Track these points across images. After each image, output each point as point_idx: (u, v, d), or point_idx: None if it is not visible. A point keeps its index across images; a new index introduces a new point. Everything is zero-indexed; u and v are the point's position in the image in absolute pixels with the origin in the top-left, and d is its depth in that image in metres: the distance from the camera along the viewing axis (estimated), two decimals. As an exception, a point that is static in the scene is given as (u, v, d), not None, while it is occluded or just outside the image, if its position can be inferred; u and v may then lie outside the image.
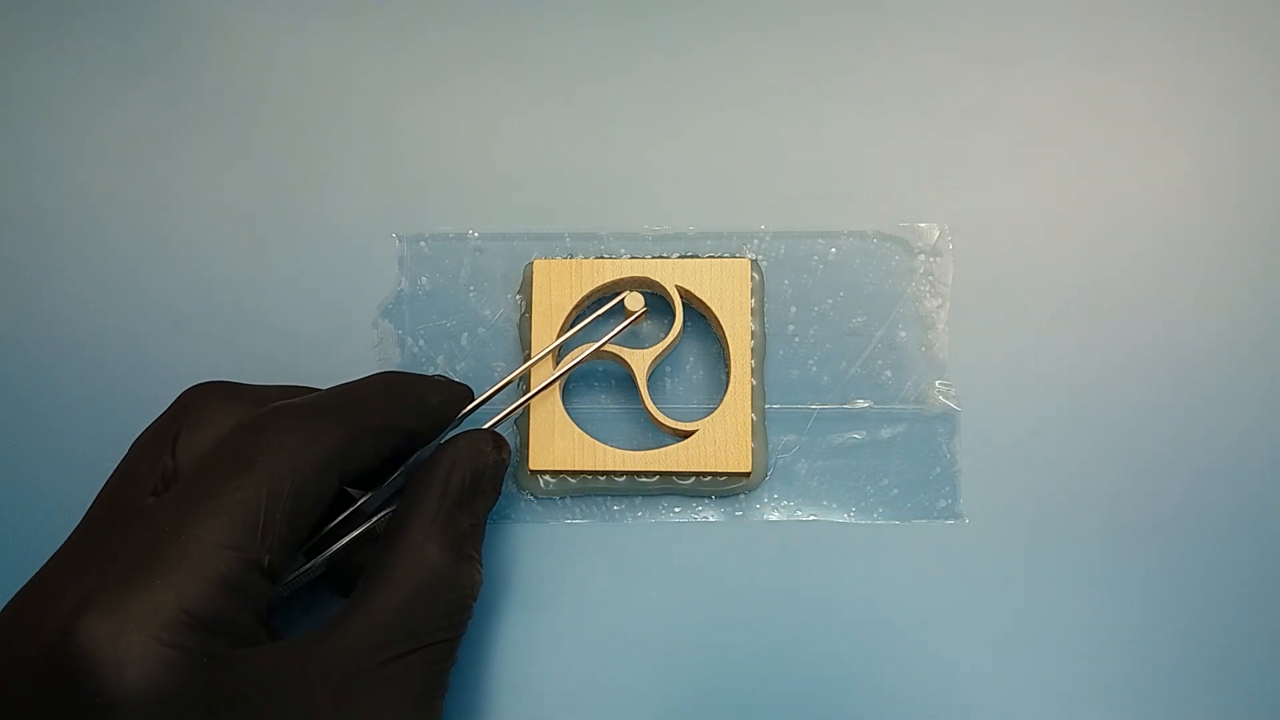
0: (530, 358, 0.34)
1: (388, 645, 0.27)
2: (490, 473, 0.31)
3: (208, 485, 0.26)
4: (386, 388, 0.30)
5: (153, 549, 0.25)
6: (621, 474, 0.34)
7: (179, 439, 0.28)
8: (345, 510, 0.31)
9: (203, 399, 0.29)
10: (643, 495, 0.35)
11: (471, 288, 0.36)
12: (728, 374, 0.35)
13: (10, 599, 0.26)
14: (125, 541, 0.25)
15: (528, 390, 0.34)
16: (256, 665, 0.25)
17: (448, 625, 0.28)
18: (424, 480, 0.30)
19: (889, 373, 0.35)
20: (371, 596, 0.27)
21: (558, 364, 0.34)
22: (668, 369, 0.36)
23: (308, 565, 0.30)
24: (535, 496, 0.35)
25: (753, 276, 0.35)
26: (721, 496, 0.35)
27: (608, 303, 0.35)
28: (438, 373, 0.35)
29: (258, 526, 0.25)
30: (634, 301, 0.34)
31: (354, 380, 0.31)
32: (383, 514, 0.31)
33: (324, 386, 0.31)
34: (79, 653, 0.23)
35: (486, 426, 0.32)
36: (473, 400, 0.33)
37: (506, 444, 0.32)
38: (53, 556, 0.27)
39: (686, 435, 0.34)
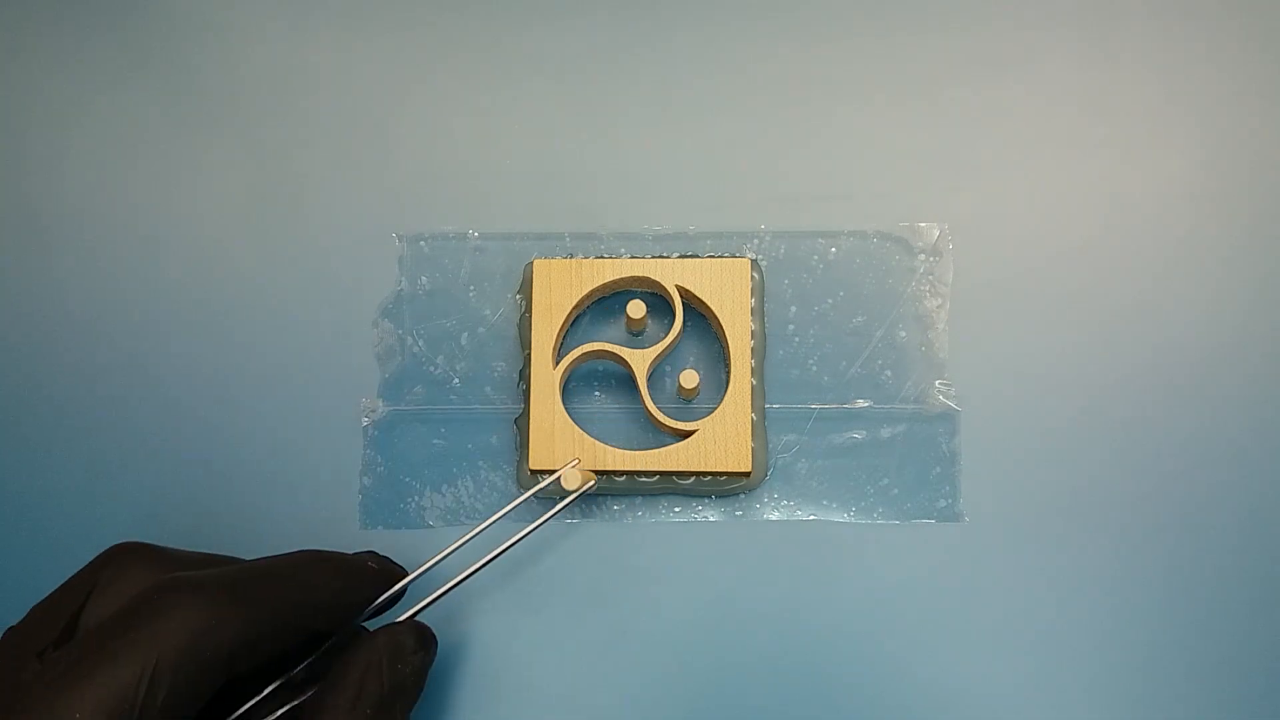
0: (530, 359, 0.34)
1: None
2: (411, 677, 0.29)
3: (88, 659, 0.24)
4: (300, 573, 0.28)
5: (24, 715, 0.23)
6: (621, 474, 0.34)
7: (91, 599, 0.26)
8: (252, 698, 0.28)
9: (121, 560, 0.27)
10: (643, 495, 0.35)
11: (471, 288, 0.36)
12: (728, 374, 0.35)
13: None
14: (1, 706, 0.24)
15: (527, 389, 0.34)
16: None
17: None
18: (336, 684, 0.27)
19: (889, 373, 0.35)
20: None
21: (557, 364, 0.34)
22: (668, 369, 0.36)
23: None
24: (535, 497, 0.35)
25: (753, 276, 0.35)
26: (721, 496, 0.35)
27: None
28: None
29: (133, 711, 0.23)
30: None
31: (275, 557, 0.28)
32: (286, 708, 0.28)
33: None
34: None
35: (410, 615, 0.30)
36: (404, 579, 0.30)
37: (433, 639, 0.30)
38: None
39: (686, 435, 0.34)
